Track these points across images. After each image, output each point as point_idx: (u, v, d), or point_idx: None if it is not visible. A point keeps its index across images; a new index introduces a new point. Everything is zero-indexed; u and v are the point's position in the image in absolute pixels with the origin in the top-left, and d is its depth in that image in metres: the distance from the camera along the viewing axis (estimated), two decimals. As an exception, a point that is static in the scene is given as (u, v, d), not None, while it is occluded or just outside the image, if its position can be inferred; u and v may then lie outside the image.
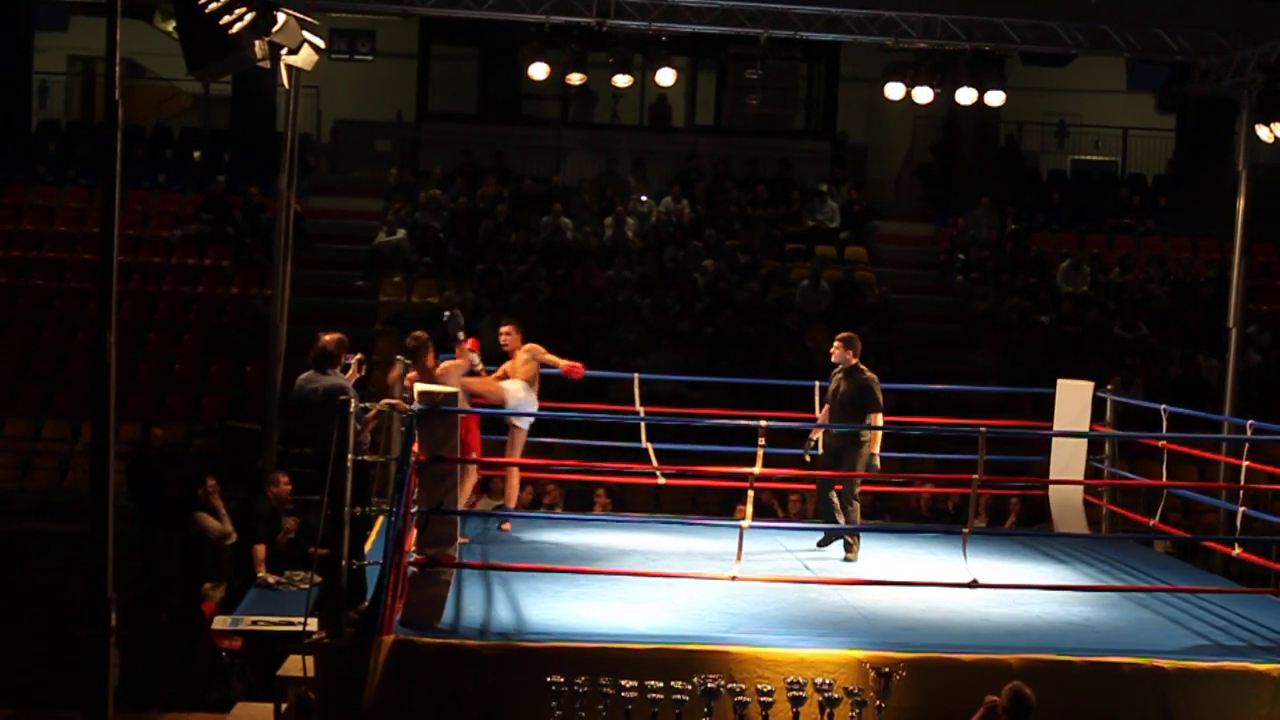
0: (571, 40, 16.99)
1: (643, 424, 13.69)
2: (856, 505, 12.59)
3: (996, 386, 18.56)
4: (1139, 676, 9.75)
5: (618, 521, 13.99)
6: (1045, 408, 15.03)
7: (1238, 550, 12.57)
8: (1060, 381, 14.84)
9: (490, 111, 26.41)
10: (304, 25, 12.40)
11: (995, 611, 10.98)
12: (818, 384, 14.70)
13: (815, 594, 11.27)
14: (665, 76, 18.04)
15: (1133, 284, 23.48)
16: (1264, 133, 16.52)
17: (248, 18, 11.18)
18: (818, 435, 12.74)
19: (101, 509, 9.54)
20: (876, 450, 12.50)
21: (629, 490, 16.32)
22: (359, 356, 10.61)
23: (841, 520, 12.50)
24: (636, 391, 14.57)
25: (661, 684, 9.11)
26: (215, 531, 14.63)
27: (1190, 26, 16.47)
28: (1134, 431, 16.19)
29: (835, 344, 12.69)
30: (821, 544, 12.72)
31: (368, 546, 10.78)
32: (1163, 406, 13.57)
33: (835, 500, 12.50)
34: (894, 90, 17.77)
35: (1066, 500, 14.51)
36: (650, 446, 13.76)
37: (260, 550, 13.46)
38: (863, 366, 12.58)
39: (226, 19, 11.01)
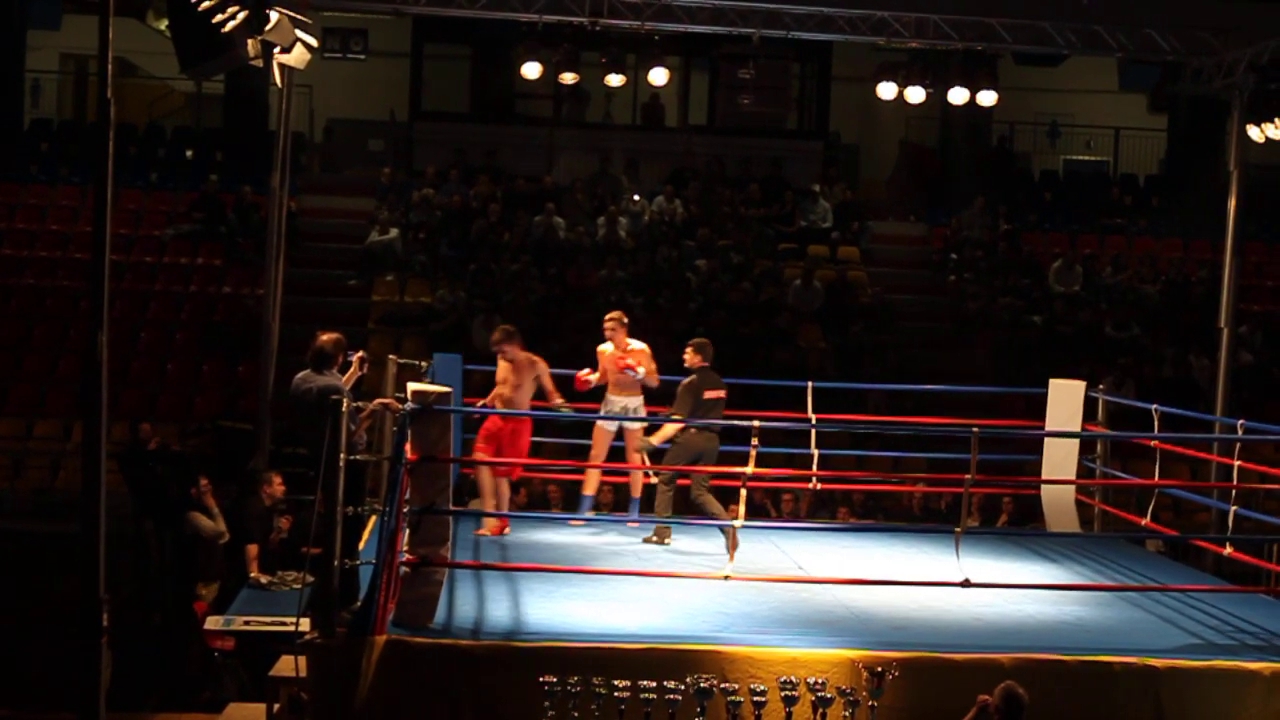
0: (564, 39, 16.99)
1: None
2: (667, 493, 12.80)
3: (989, 386, 18.57)
4: (1131, 675, 9.76)
5: (611, 521, 14.00)
6: (1037, 407, 15.05)
7: (1229, 549, 12.61)
8: (1052, 381, 14.85)
9: (483, 111, 26.39)
10: (297, 24, 12.39)
11: (988, 611, 10.99)
12: (810, 384, 14.73)
13: (808, 593, 11.27)
14: (658, 76, 18.04)
15: (1125, 284, 23.51)
16: (1255, 133, 16.55)
17: (240, 16, 11.20)
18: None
19: (93, 509, 9.53)
20: (654, 441, 12.84)
21: (621, 490, 16.30)
22: (361, 354, 10.59)
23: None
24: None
25: (654, 684, 9.10)
26: (209, 531, 14.61)
27: (1182, 27, 16.48)
28: (1126, 431, 16.21)
29: (687, 348, 12.93)
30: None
31: (362, 546, 10.77)
32: (1155, 406, 13.59)
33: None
34: (886, 90, 17.78)
35: (1059, 500, 14.52)
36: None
37: (253, 550, 13.44)
38: (695, 373, 12.72)
39: (219, 17, 11.03)
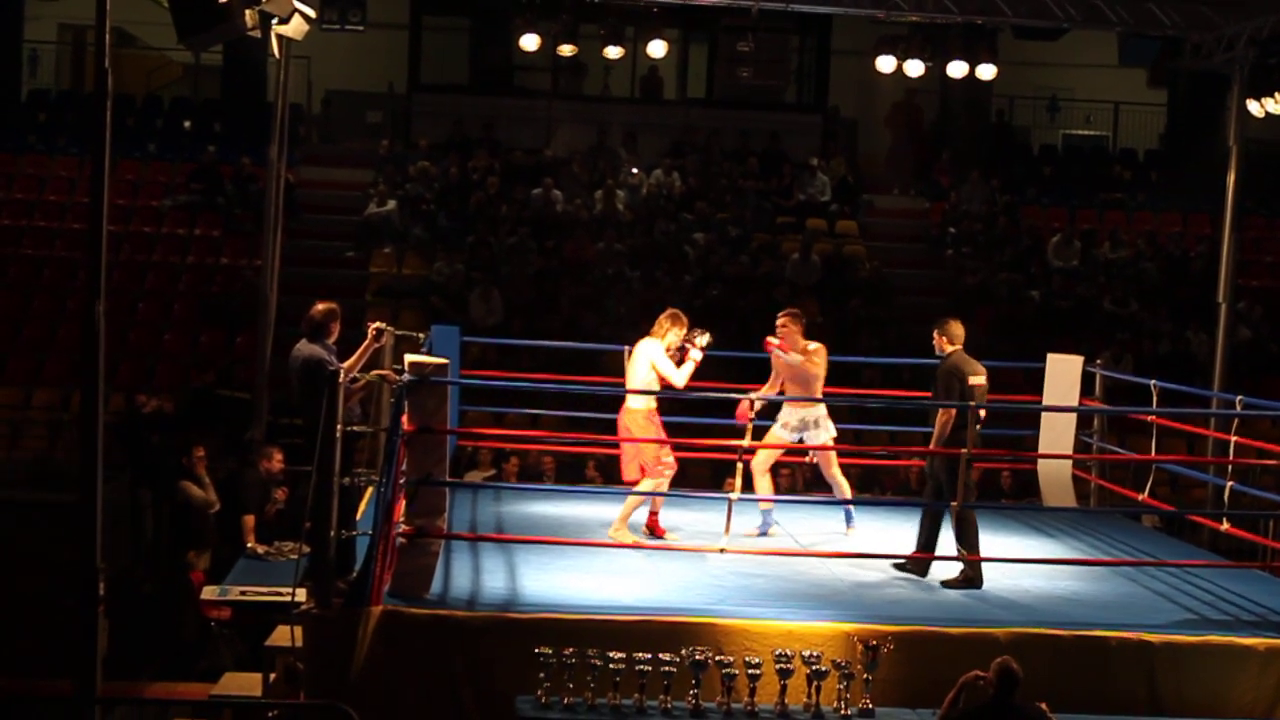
0: (563, 11, 16.98)
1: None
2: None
3: (987, 361, 18.51)
4: (1126, 650, 9.79)
5: (607, 493, 13.98)
6: (1035, 382, 15.04)
7: (1225, 525, 12.63)
8: (1050, 356, 14.82)
9: (481, 83, 26.32)
10: (294, -5, 12.36)
11: (983, 585, 11.01)
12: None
13: (803, 567, 11.29)
14: (656, 48, 18.00)
15: (1123, 259, 23.49)
16: (1255, 107, 16.53)
17: (238, -13, 11.15)
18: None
19: (91, 478, 9.54)
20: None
21: (619, 463, 16.31)
22: (376, 325, 10.53)
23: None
24: (626, 364, 14.55)
25: (649, 656, 9.12)
26: (199, 500, 14.66)
27: (1182, 1, 16.45)
28: (1123, 406, 16.21)
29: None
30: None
31: (359, 517, 10.78)
32: (1152, 381, 13.58)
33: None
34: (885, 64, 17.75)
35: (1055, 474, 14.52)
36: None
37: (249, 520, 13.46)
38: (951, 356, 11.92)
39: (217, -12, 10.97)
